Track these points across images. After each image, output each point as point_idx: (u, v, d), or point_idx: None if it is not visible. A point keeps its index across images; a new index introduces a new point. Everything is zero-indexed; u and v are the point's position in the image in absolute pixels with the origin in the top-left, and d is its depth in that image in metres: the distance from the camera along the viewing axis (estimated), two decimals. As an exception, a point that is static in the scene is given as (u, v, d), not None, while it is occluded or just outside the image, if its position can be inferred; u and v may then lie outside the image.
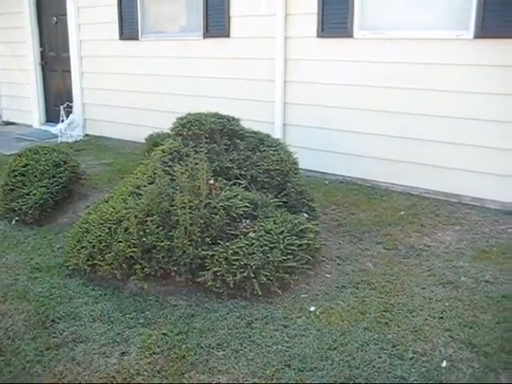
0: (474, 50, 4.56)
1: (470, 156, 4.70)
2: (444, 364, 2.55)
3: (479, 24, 4.45)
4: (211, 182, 3.48)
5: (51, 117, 8.81)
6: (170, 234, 3.20)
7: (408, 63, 4.93)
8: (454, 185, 4.82)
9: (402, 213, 4.54)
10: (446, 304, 3.07)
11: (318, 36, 5.42)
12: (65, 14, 7.99)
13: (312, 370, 2.53)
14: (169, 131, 4.17)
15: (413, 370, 2.51)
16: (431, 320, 2.91)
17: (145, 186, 3.54)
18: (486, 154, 4.61)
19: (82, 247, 3.45)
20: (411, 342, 2.71)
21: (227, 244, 3.20)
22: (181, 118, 4.03)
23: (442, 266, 3.55)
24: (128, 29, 7.20)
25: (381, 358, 2.60)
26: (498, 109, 4.51)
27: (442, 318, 2.93)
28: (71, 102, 8.23)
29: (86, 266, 3.42)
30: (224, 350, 2.69)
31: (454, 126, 4.75)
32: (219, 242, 3.22)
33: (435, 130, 4.86)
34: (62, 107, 8.07)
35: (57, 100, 8.61)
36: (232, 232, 3.31)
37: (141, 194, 3.48)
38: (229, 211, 3.31)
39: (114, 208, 3.48)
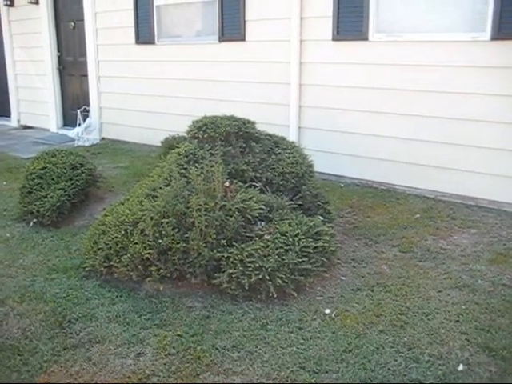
0: (491, 52, 4.53)
1: (487, 159, 4.67)
2: (461, 367, 2.52)
3: (496, 26, 4.41)
4: (226, 184, 3.49)
5: (68, 121, 8.90)
6: (186, 235, 3.21)
7: (424, 66, 4.90)
8: (471, 188, 4.78)
9: (418, 216, 4.51)
10: (463, 307, 3.04)
11: (334, 39, 5.42)
12: (82, 19, 8.08)
13: (327, 372, 2.52)
14: (184, 134, 4.19)
15: (429, 373, 2.49)
16: (447, 323, 2.89)
17: (161, 188, 3.56)
18: (503, 156, 4.57)
19: (99, 249, 3.48)
20: (427, 345, 2.69)
21: (242, 246, 3.20)
22: (196, 121, 4.05)
23: (459, 269, 3.52)
24: (144, 33, 7.26)
25: (396, 360, 2.58)
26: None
27: (458, 321, 2.91)
28: (88, 105, 8.30)
29: (102, 268, 3.45)
30: (239, 352, 2.69)
31: (470, 128, 4.72)
32: (234, 244, 3.23)
33: (451, 132, 4.83)
34: (78, 111, 8.15)
35: (74, 104, 8.70)
36: (247, 234, 3.32)
37: (157, 197, 3.50)
38: (244, 213, 3.32)
39: (130, 210, 3.50)
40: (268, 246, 3.19)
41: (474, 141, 4.71)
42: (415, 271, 3.51)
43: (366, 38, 5.19)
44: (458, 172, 4.84)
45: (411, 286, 3.30)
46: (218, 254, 3.18)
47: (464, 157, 4.79)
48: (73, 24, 8.45)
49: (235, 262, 3.13)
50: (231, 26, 6.26)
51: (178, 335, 2.84)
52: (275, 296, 3.10)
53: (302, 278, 3.20)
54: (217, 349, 2.72)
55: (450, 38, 4.71)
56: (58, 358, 2.67)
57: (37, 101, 9.23)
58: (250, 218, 3.35)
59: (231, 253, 3.17)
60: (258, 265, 3.08)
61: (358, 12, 5.18)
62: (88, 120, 8.18)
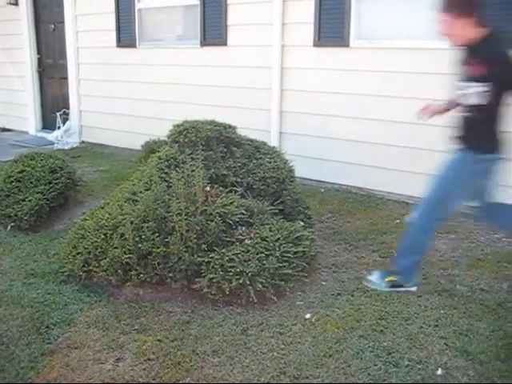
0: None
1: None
2: (439, 372, 2.55)
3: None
4: (207, 188, 3.48)
5: (48, 124, 8.81)
6: (166, 240, 3.19)
7: (404, 72, 4.95)
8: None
9: (398, 221, 4.55)
10: (442, 312, 3.07)
11: (315, 45, 5.45)
12: (62, 22, 8.01)
13: (307, 377, 2.53)
14: (165, 138, 4.17)
15: (408, 378, 2.51)
16: (426, 328, 2.91)
17: (141, 192, 3.54)
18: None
19: (78, 253, 3.44)
20: (406, 350, 2.71)
21: (223, 251, 3.20)
22: (177, 126, 4.04)
23: (438, 274, 3.56)
24: (126, 36, 7.23)
25: (376, 365, 2.60)
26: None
27: (437, 325, 2.93)
28: (68, 108, 8.23)
29: (81, 272, 3.41)
30: (219, 357, 2.68)
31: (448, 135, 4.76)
32: (215, 248, 3.22)
33: (430, 139, 4.87)
34: (58, 114, 8.08)
35: (53, 107, 8.62)
36: (228, 239, 3.31)
37: (137, 201, 3.48)
38: (225, 218, 3.32)
39: (110, 214, 3.47)
40: (248, 251, 3.19)
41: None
42: (395, 276, 3.53)
43: (347, 45, 5.23)
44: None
45: (391, 291, 3.32)
46: (199, 259, 3.17)
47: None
48: (53, 26, 8.38)
49: (216, 266, 3.12)
50: (213, 31, 6.26)
51: (158, 340, 2.82)
52: (256, 301, 3.09)
53: (283, 282, 3.20)
54: (197, 354, 2.71)
55: (431, 45, 4.77)
56: (35, 364, 2.63)
57: (16, 103, 9.12)
58: (230, 222, 3.34)
59: (212, 257, 3.16)
60: (238, 269, 3.08)
61: (339, 18, 5.22)
62: (68, 123, 8.11)
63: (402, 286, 3.31)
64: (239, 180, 3.83)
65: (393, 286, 3.31)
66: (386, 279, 3.33)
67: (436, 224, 3.32)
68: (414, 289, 3.32)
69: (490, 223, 3.58)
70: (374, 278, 3.39)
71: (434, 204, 3.21)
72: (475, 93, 2.88)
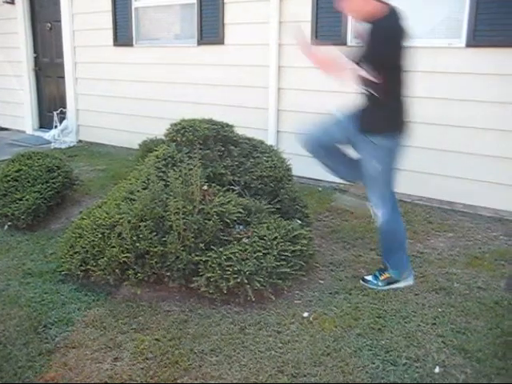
0: (466, 58, 4.60)
1: (463, 163, 4.73)
2: (437, 370, 2.55)
3: (471, 33, 4.49)
4: (205, 187, 3.48)
5: (44, 123, 8.79)
6: (164, 239, 3.19)
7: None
8: (447, 192, 4.84)
9: (395, 219, 4.54)
10: (439, 310, 3.07)
11: (312, 43, 5.41)
12: (59, 21, 7.99)
13: (305, 375, 2.53)
14: (163, 137, 4.17)
15: (406, 376, 2.51)
16: (424, 326, 2.92)
17: (138, 191, 3.54)
18: (480, 161, 4.64)
19: (75, 252, 3.44)
20: (404, 348, 2.72)
21: (220, 250, 3.19)
22: (175, 124, 4.04)
23: (435, 273, 3.56)
24: (122, 35, 7.22)
25: (374, 363, 2.60)
26: (491, 117, 4.54)
27: (434, 324, 2.94)
28: (65, 108, 8.22)
29: (78, 272, 3.40)
30: (217, 356, 2.68)
31: (446, 133, 4.78)
32: (212, 247, 3.22)
33: (427, 137, 4.88)
34: (55, 113, 8.06)
35: (50, 106, 8.60)
36: (225, 238, 3.31)
37: (134, 200, 3.48)
38: (222, 217, 3.31)
39: (107, 213, 3.47)
40: (246, 250, 3.19)
41: (450, 145, 4.77)
42: (392, 274, 3.54)
43: (344, 43, 5.23)
44: (435, 176, 4.90)
45: (388, 290, 3.32)
46: (196, 258, 3.17)
47: (440, 161, 4.85)
48: (49, 25, 8.35)
49: (213, 265, 3.12)
50: (210, 30, 6.26)
51: (156, 339, 2.82)
52: (253, 300, 3.09)
53: (281, 281, 3.20)
54: (195, 353, 2.71)
55: (427, 43, 4.77)
56: (32, 363, 2.63)
57: (12, 102, 9.09)
58: (228, 221, 3.34)
59: (209, 256, 3.16)
60: (236, 268, 3.08)
61: (337, 17, 5.21)
62: (65, 122, 8.09)
63: (398, 281, 3.31)
64: (236, 179, 3.83)
65: (389, 283, 3.31)
66: (382, 277, 3.33)
67: (394, 206, 3.33)
68: (411, 281, 3.32)
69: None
70: (371, 278, 3.39)
71: (381, 197, 3.22)
72: (368, 69, 2.91)
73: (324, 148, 3.34)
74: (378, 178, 3.19)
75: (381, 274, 3.35)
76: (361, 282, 3.41)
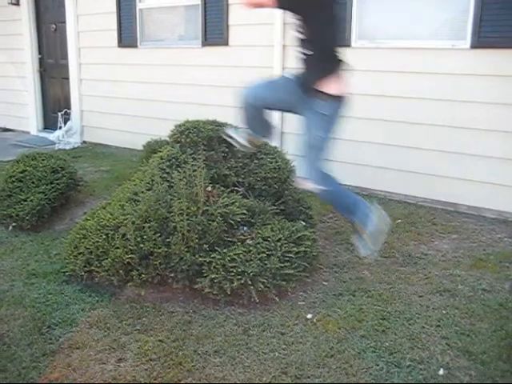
0: (471, 60, 4.59)
1: (467, 165, 4.72)
2: (441, 372, 2.54)
3: (476, 34, 4.48)
4: (209, 189, 3.48)
5: (49, 124, 8.82)
6: (168, 240, 3.19)
7: (405, 72, 4.96)
8: (451, 193, 4.83)
9: (399, 221, 4.54)
10: (443, 312, 3.07)
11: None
12: (64, 22, 8.01)
13: (309, 377, 2.52)
14: (167, 138, 4.17)
15: (410, 378, 2.50)
16: (428, 328, 2.91)
17: (143, 192, 3.54)
18: (483, 163, 4.63)
19: (79, 253, 3.44)
20: (408, 350, 2.71)
21: (224, 251, 3.20)
22: (179, 125, 4.04)
23: (439, 275, 3.55)
24: (127, 36, 7.23)
25: (378, 365, 2.60)
26: (495, 118, 4.53)
27: (439, 325, 2.93)
28: (69, 109, 8.24)
29: (82, 272, 3.41)
30: (221, 357, 2.68)
31: (450, 135, 4.77)
32: (216, 248, 3.22)
33: (432, 138, 4.88)
34: (59, 114, 8.09)
35: (55, 107, 8.63)
36: (229, 239, 3.31)
37: (138, 201, 3.48)
38: (226, 218, 3.31)
39: (111, 214, 3.47)
40: (250, 251, 3.18)
41: (454, 147, 4.76)
42: (396, 276, 3.54)
43: (348, 45, 5.22)
44: (439, 178, 4.89)
45: (392, 291, 3.32)
46: (200, 259, 3.17)
47: (444, 163, 4.84)
48: (54, 26, 8.38)
49: (217, 266, 3.12)
50: (214, 31, 6.26)
51: (160, 340, 2.82)
52: (257, 301, 3.09)
53: (284, 282, 3.20)
54: (198, 354, 2.71)
55: (432, 45, 4.77)
56: (37, 364, 2.63)
57: (17, 103, 9.12)
58: (232, 222, 3.34)
59: (213, 258, 3.16)
60: (240, 270, 3.08)
61: (341, 18, 5.21)
62: (69, 123, 8.11)
63: (378, 227, 3.15)
64: (241, 180, 3.83)
65: (372, 235, 3.15)
66: (364, 237, 3.17)
67: (327, 173, 3.23)
68: (385, 215, 3.21)
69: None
70: (361, 246, 3.23)
71: (315, 165, 3.16)
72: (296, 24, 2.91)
73: (256, 108, 3.35)
74: (318, 148, 3.18)
75: (361, 236, 3.20)
76: (361, 255, 3.31)
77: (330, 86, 2.99)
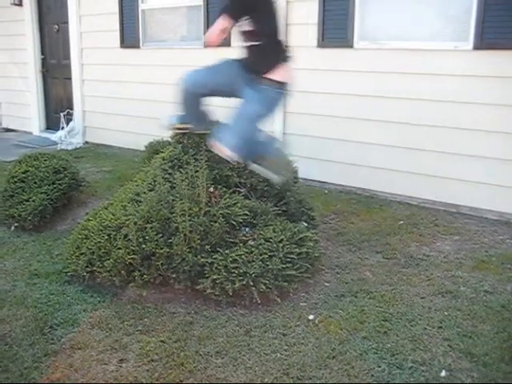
0: (473, 61, 4.58)
1: (469, 166, 4.72)
2: (443, 373, 2.54)
3: (478, 36, 4.48)
4: (211, 189, 3.48)
5: (51, 124, 8.82)
6: (170, 241, 3.20)
7: (407, 73, 4.95)
8: (453, 195, 4.83)
9: (401, 222, 4.54)
10: (445, 313, 3.06)
11: (319, 46, 5.45)
12: (66, 22, 8.03)
13: (311, 378, 2.52)
14: (169, 139, 4.17)
15: (412, 380, 2.50)
16: (430, 329, 2.91)
17: (145, 193, 3.55)
18: (484, 164, 4.63)
19: (81, 254, 3.45)
20: (410, 352, 2.71)
21: (226, 252, 3.20)
22: (181, 126, 4.03)
23: (441, 276, 3.55)
24: (129, 37, 7.24)
25: (380, 366, 2.59)
26: (498, 120, 4.53)
27: (441, 327, 2.92)
28: (71, 109, 8.24)
29: (84, 273, 3.41)
30: (223, 358, 2.68)
31: (452, 136, 4.77)
32: (218, 249, 3.22)
33: (433, 140, 4.87)
34: (62, 114, 8.09)
35: (57, 107, 8.63)
36: (231, 240, 3.31)
37: (141, 201, 3.48)
38: (228, 219, 3.31)
39: (113, 215, 3.47)
40: (252, 252, 3.18)
41: (456, 148, 4.76)
42: (398, 277, 3.53)
43: (351, 46, 5.23)
44: (441, 179, 4.89)
45: (394, 293, 3.31)
46: (202, 260, 3.17)
47: (445, 164, 4.84)
48: (57, 27, 8.39)
49: (219, 267, 3.12)
50: (216, 32, 6.25)
51: (161, 341, 2.82)
52: (259, 302, 3.09)
53: (286, 283, 3.20)
54: (200, 355, 2.71)
55: (434, 46, 4.77)
56: (38, 364, 2.64)
57: (19, 103, 9.13)
58: (234, 223, 3.34)
59: (215, 258, 3.16)
60: (242, 271, 3.08)
61: (343, 19, 5.21)
62: (71, 123, 8.11)
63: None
64: (243, 181, 3.82)
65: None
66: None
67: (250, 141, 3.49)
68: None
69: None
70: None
71: (240, 139, 3.38)
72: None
73: (195, 95, 3.59)
74: (251, 121, 3.41)
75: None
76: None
77: (277, 73, 3.28)
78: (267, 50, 3.30)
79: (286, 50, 3.38)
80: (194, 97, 3.57)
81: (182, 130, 3.77)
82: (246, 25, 3.24)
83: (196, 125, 3.70)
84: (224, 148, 3.34)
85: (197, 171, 3.51)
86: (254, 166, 3.55)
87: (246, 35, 3.31)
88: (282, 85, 3.31)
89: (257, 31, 3.23)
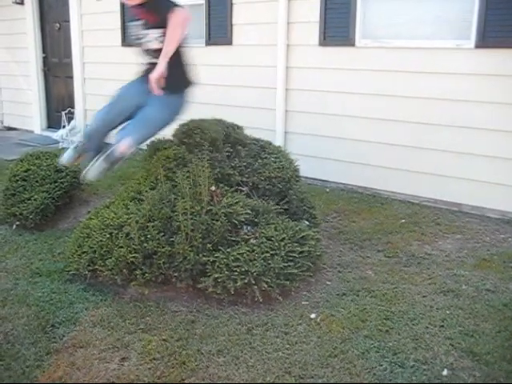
0: (475, 59, 4.58)
1: (471, 165, 4.71)
2: (445, 372, 2.54)
3: (480, 34, 4.47)
4: (213, 188, 3.48)
5: (53, 123, 8.82)
6: (171, 239, 3.20)
7: (409, 72, 4.95)
8: (455, 193, 4.82)
9: (403, 221, 4.54)
10: (447, 312, 3.06)
11: (320, 44, 5.44)
12: (68, 21, 8.03)
13: (312, 377, 2.52)
14: (170, 137, 4.17)
15: (414, 379, 2.50)
16: (432, 328, 2.90)
17: (146, 191, 3.54)
18: (486, 162, 4.62)
19: (83, 252, 3.45)
20: (412, 350, 2.71)
21: (228, 250, 3.19)
22: (182, 125, 4.03)
23: (443, 275, 3.55)
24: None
25: (382, 365, 2.59)
26: (499, 118, 4.52)
27: (442, 326, 2.92)
28: (73, 107, 8.25)
29: (86, 271, 3.41)
30: (224, 357, 2.68)
31: (454, 134, 4.76)
32: (220, 248, 3.22)
33: (435, 138, 4.87)
34: (63, 113, 8.09)
35: (58, 106, 8.64)
36: (233, 238, 3.31)
37: (142, 200, 3.48)
38: (230, 218, 3.31)
39: (115, 213, 3.47)
40: (254, 251, 3.18)
41: (458, 147, 4.75)
42: (400, 276, 3.53)
43: (352, 44, 5.22)
44: (442, 178, 4.88)
45: (396, 291, 3.31)
46: (204, 259, 3.17)
47: (447, 163, 4.83)
48: (58, 25, 8.39)
49: (221, 266, 3.12)
50: (218, 30, 6.26)
51: (163, 340, 2.82)
52: (261, 300, 3.10)
53: (288, 282, 3.20)
54: (202, 353, 2.71)
55: (435, 45, 4.76)
56: (40, 362, 2.64)
57: (21, 102, 9.13)
58: (236, 222, 3.34)
59: (217, 257, 3.16)
60: (243, 269, 3.08)
61: (345, 18, 5.21)
62: (73, 122, 8.11)
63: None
64: (244, 179, 3.82)
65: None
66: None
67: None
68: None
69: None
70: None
71: (143, 139, 3.80)
72: (155, 37, 3.59)
73: (103, 132, 3.93)
74: (156, 126, 3.69)
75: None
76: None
77: (179, 85, 3.69)
78: (172, 66, 3.52)
79: (187, 63, 3.80)
80: (102, 133, 3.87)
81: (78, 161, 4.03)
82: (154, 41, 3.55)
83: (94, 154, 3.86)
84: (124, 145, 3.62)
85: (199, 170, 3.51)
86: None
87: (153, 53, 3.60)
88: (183, 95, 3.71)
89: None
